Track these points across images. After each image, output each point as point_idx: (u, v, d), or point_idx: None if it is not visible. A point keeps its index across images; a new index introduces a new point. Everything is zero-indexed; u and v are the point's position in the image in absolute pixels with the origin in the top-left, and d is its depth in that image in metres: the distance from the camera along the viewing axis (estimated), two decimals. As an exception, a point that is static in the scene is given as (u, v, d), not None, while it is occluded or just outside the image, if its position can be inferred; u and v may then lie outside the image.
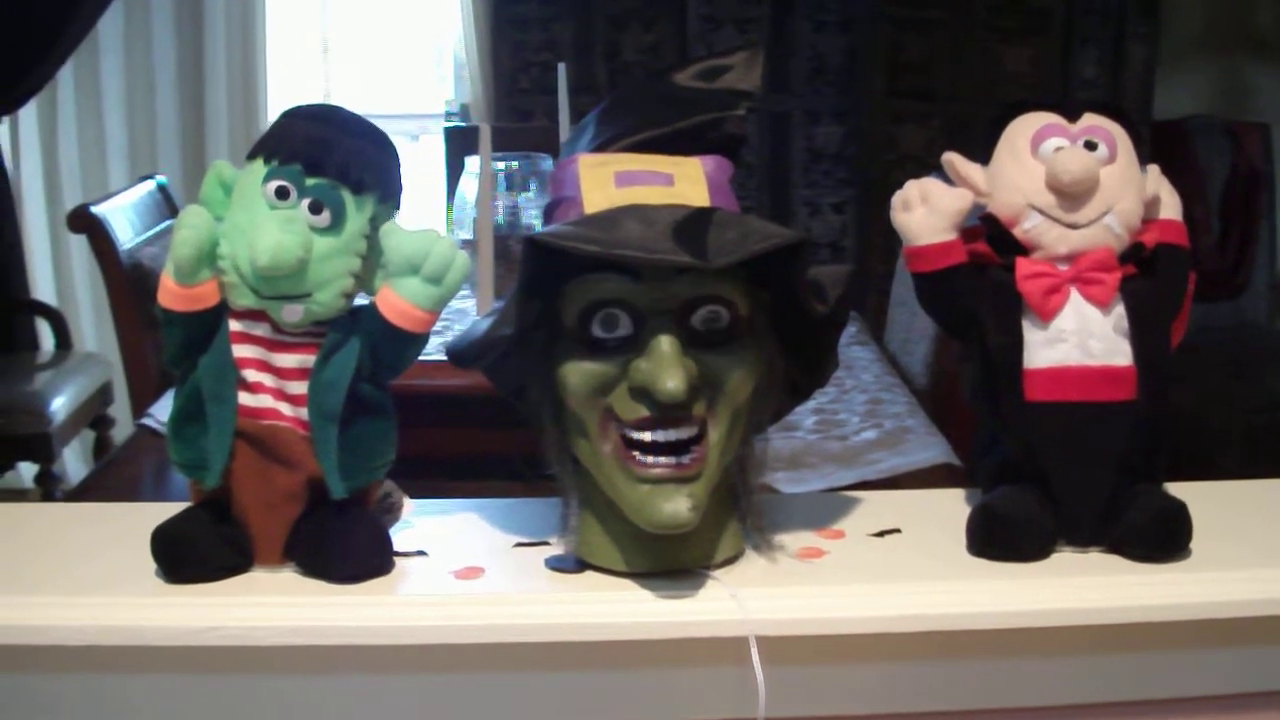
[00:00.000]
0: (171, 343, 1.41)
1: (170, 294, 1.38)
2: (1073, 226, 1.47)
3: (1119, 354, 1.46)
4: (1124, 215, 1.48)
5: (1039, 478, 1.47)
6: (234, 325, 1.39)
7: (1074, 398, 1.46)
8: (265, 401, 1.39)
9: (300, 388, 1.39)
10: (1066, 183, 1.45)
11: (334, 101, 5.38)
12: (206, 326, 1.39)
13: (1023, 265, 1.48)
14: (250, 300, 1.37)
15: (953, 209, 1.50)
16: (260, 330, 1.39)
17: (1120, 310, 1.47)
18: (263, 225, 1.35)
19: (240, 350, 1.39)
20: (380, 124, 1.45)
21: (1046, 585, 1.41)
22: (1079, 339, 1.46)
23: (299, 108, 1.44)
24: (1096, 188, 1.47)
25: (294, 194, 1.36)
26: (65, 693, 1.39)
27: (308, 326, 1.39)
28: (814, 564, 1.46)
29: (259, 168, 1.38)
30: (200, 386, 1.39)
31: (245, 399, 1.39)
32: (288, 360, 1.39)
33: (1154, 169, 1.54)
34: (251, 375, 1.39)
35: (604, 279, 1.33)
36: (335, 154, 1.38)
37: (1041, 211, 1.48)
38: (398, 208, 1.45)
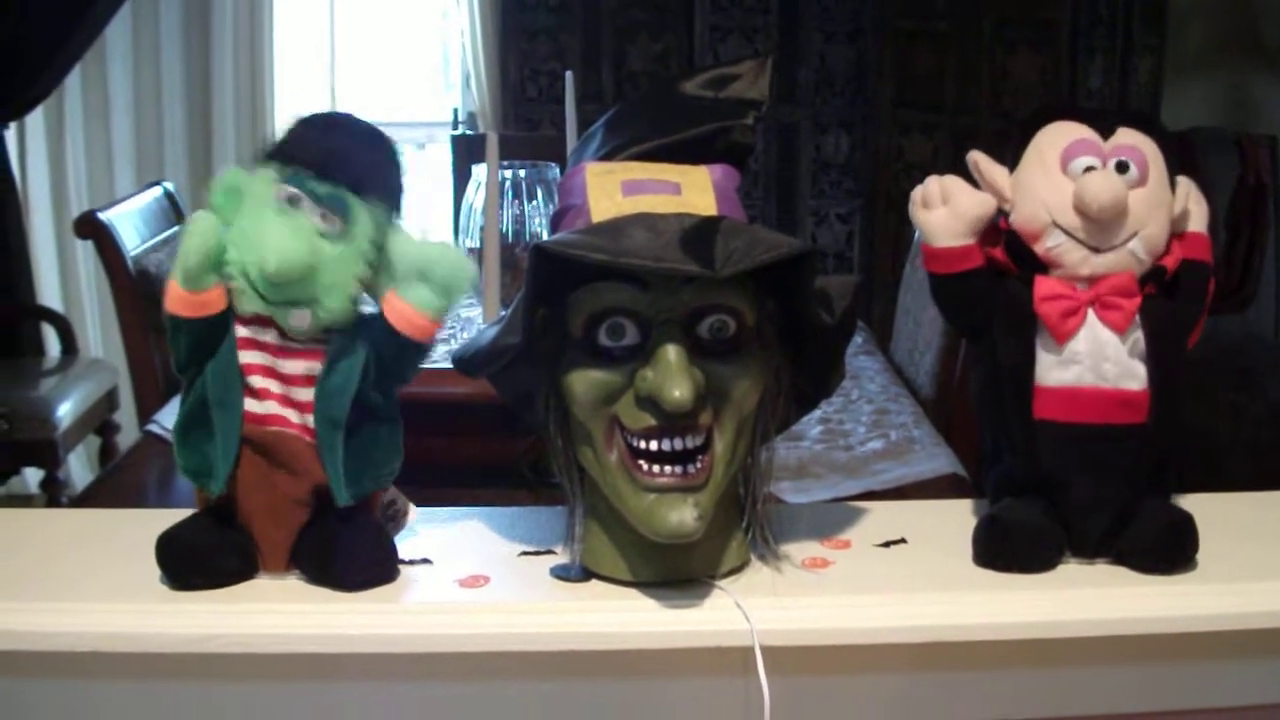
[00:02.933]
0: (178, 349, 1.40)
1: (177, 300, 1.37)
2: (1096, 250, 1.45)
3: (1133, 378, 1.45)
4: (1149, 240, 1.46)
5: (1045, 490, 1.46)
6: (241, 331, 1.39)
7: (1084, 419, 1.45)
8: (271, 408, 1.39)
9: (306, 394, 1.39)
10: (1094, 211, 1.42)
11: (341, 110, 5.44)
12: (213, 333, 1.39)
13: (1041, 285, 1.46)
14: (258, 306, 1.37)
15: (974, 214, 1.49)
16: (267, 336, 1.39)
17: (1137, 334, 1.45)
18: (271, 230, 1.34)
19: (246, 356, 1.39)
20: (387, 132, 1.45)
21: (1053, 597, 1.41)
22: (1093, 361, 1.45)
23: (311, 116, 1.44)
24: (1124, 213, 1.44)
25: (303, 200, 1.36)
26: (70, 699, 1.39)
27: (315, 333, 1.39)
28: (820, 574, 1.45)
29: (269, 174, 1.38)
30: (206, 393, 1.39)
31: (251, 405, 1.39)
32: (294, 367, 1.39)
33: (1184, 181, 1.52)
34: (258, 381, 1.39)
35: (611, 288, 1.33)
36: (345, 161, 1.38)
37: (1066, 232, 1.45)
38: (400, 214, 1.44)
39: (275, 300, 1.36)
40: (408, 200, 1.45)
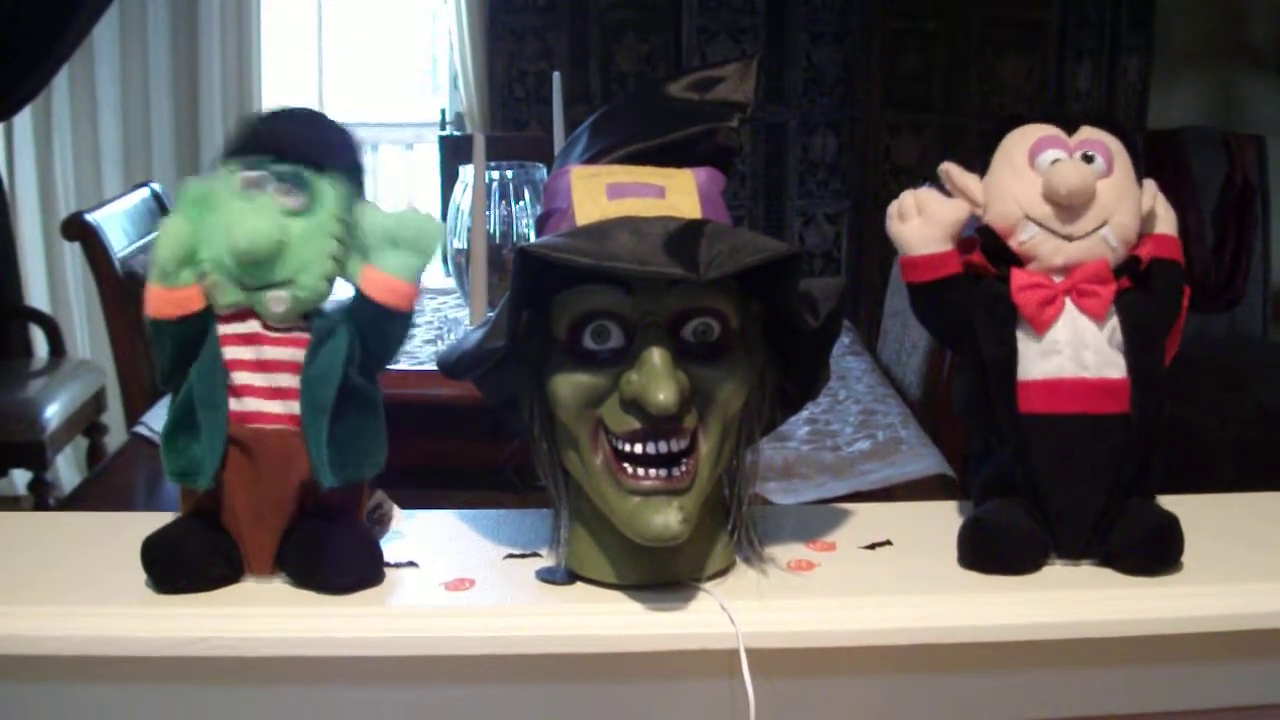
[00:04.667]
0: (163, 355, 1.41)
1: (157, 299, 1.39)
2: (1069, 238, 1.47)
3: (1113, 366, 1.46)
4: (1120, 228, 1.48)
5: (1031, 490, 1.47)
6: (222, 329, 1.39)
7: (1068, 410, 1.46)
8: (254, 405, 1.39)
9: (291, 380, 1.39)
10: (1063, 194, 1.45)
11: (329, 110, 5.44)
12: (195, 334, 1.39)
13: (1018, 276, 1.48)
14: (236, 296, 1.38)
15: (949, 219, 1.50)
16: (248, 327, 1.39)
17: (1114, 323, 1.47)
18: (238, 214, 1.36)
19: (230, 352, 1.39)
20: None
21: (1038, 598, 1.41)
22: (1073, 351, 1.46)
23: (252, 114, 1.47)
24: (1093, 200, 1.47)
25: (265, 182, 1.38)
26: (55, 703, 1.39)
27: (295, 320, 1.39)
28: (805, 576, 1.46)
29: (226, 170, 1.40)
30: (193, 396, 1.39)
31: (234, 404, 1.39)
32: (278, 354, 1.39)
33: (1150, 184, 1.54)
34: (241, 378, 1.39)
35: (595, 291, 1.33)
36: (300, 141, 1.42)
37: (1038, 223, 1.48)
38: (362, 191, 1.46)
39: (251, 286, 1.37)
40: (374, 183, 1.46)
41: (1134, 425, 1.46)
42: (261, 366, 1.40)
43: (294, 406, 1.39)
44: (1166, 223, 1.55)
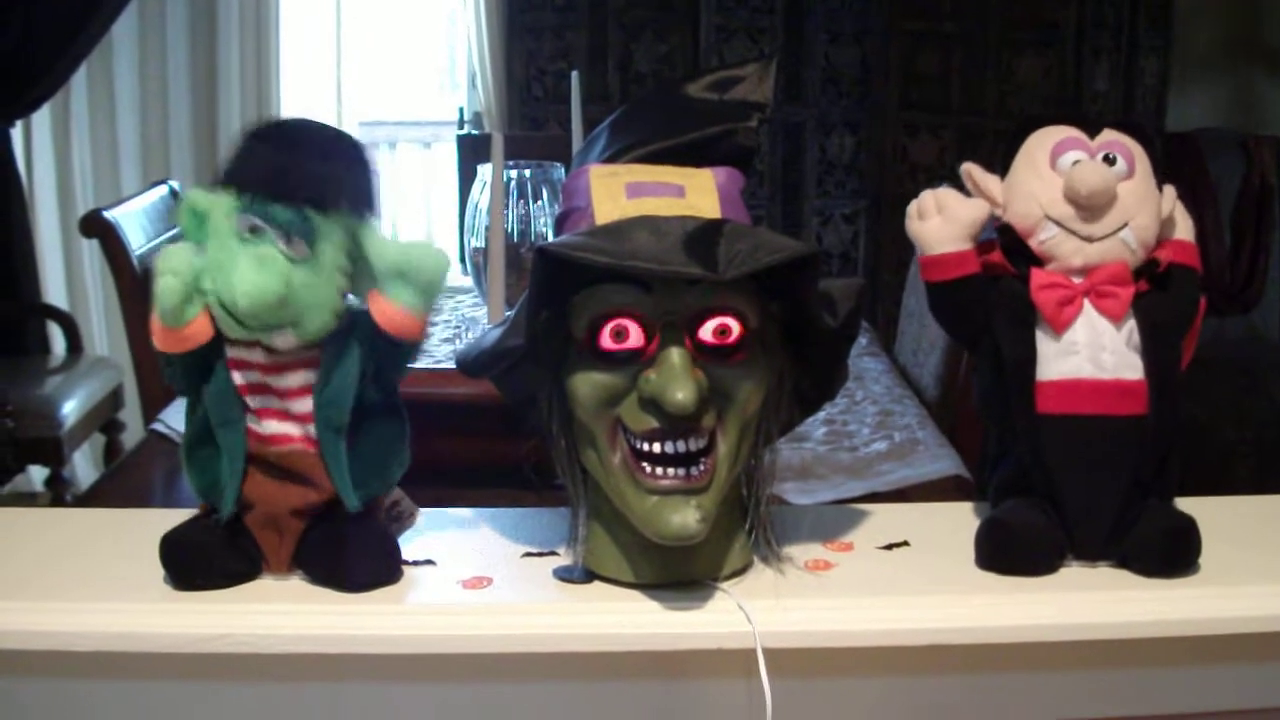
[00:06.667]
0: (174, 376, 1.40)
1: (162, 337, 1.36)
2: (1089, 239, 1.47)
3: (1130, 368, 1.46)
4: (1140, 230, 1.48)
5: (1048, 490, 1.47)
6: (230, 352, 1.38)
7: (1085, 410, 1.46)
8: (273, 427, 1.39)
9: (305, 405, 1.39)
10: (1084, 194, 1.45)
11: (346, 110, 5.44)
12: (206, 357, 1.38)
13: (1037, 276, 1.48)
14: (240, 333, 1.35)
15: (969, 219, 1.50)
16: (256, 356, 1.38)
17: (1132, 325, 1.47)
18: (237, 265, 1.32)
19: (239, 377, 1.38)
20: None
21: (1054, 600, 1.41)
22: (1090, 352, 1.46)
23: (259, 129, 1.39)
24: (1114, 202, 1.47)
25: (265, 228, 1.33)
26: (73, 698, 1.40)
27: (302, 348, 1.38)
28: (822, 576, 1.46)
29: (227, 200, 1.35)
30: (207, 414, 1.39)
31: (253, 425, 1.39)
32: (289, 381, 1.38)
33: (1169, 190, 1.53)
34: (255, 402, 1.39)
35: (614, 290, 1.33)
36: (300, 181, 1.34)
37: (1058, 223, 1.48)
38: (376, 215, 1.41)
39: (255, 328, 1.35)
40: (387, 197, 1.43)
41: (1150, 426, 1.46)
42: (273, 391, 1.39)
43: (310, 429, 1.39)
44: (1184, 229, 1.55)
